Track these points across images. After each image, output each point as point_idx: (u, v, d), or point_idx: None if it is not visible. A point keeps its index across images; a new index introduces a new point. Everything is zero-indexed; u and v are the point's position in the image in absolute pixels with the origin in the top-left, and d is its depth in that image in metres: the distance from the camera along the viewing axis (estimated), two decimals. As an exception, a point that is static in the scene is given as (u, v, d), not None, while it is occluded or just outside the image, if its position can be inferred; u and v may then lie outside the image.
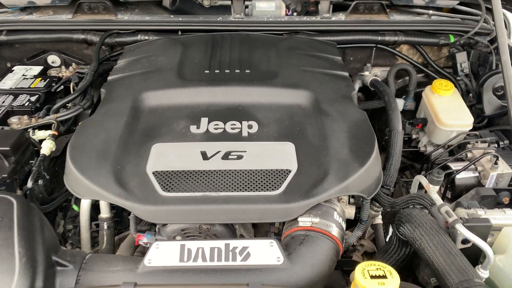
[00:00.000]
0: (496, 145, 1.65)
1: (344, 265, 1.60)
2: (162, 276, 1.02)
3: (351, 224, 1.40)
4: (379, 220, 1.56)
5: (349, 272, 1.46)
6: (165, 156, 1.27)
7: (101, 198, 1.21)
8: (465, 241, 1.16)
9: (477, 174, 1.58)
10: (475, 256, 1.19)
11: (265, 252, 1.08)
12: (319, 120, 1.41)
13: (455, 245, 1.11)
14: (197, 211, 1.14)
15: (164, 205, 1.13)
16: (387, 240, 1.49)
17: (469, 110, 1.75)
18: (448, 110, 1.73)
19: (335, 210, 1.20)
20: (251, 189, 1.17)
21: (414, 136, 1.90)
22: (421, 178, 1.30)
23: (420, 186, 1.39)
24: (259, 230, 1.43)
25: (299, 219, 1.14)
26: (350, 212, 1.28)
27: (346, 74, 1.69)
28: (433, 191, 1.22)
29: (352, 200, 1.35)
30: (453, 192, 1.61)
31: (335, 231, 1.16)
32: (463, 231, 1.09)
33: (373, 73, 2.00)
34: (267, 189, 1.17)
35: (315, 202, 1.15)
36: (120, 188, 1.17)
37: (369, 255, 1.68)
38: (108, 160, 1.25)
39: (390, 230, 1.50)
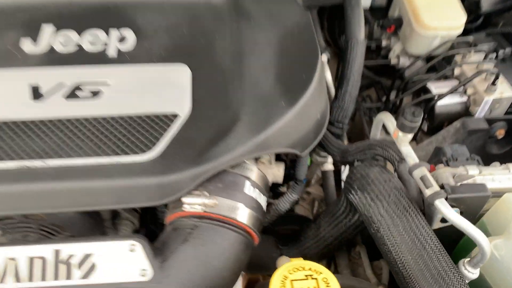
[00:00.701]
0: (495, 55, 1.18)
1: (281, 225, 1.21)
2: None
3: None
4: (329, 166, 1.14)
5: (287, 239, 1.08)
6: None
7: None
8: (445, 219, 0.75)
9: (465, 99, 1.14)
10: (455, 235, 0.80)
11: (121, 261, 0.65)
12: (235, 27, 0.89)
13: (431, 231, 0.71)
14: (7, 194, 0.67)
15: None
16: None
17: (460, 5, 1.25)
18: (431, 6, 1.22)
19: (248, 178, 0.75)
20: (106, 153, 0.70)
21: (384, 43, 1.40)
22: (386, 119, 0.84)
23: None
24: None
25: (185, 200, 0.70)
26: (277, 173, 0.84)
27: None
28: (404, 141, 0.78)
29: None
30: (431, 122, 1.18)
31: (243, 214, 0.72)
32: (448, 214, 0.67)
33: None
34: (134, 151, 0.70)
35: (211, 171, 0.70)
36: None
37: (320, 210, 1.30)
38: None
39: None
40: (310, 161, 1.06)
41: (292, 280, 0.66)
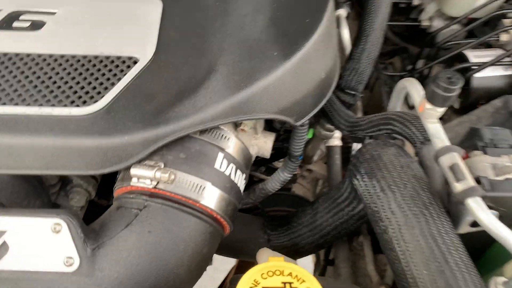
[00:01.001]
0: (552, 21, 0.96)
1: (273, 206, 1.05)
2: None
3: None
4: (335, 140, 0.95)
5: (278, 222, 0.92)
6: None
7: None
8: (476, 223, 0.57)
9: (511, 72, 0.93)
10: (482, 242, 0.63)
11: (41, 245, 0.49)
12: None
13: (458, 239, 0.53)
14: None
15: None
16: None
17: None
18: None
19: (221, 150, 0.58)
20: (37, 101, 0.53)
21: (416, 1, 1.17)
22: (410, 86, 0.64)
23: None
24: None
25: (133, 171, 0.53)
26: (263, 146, 0.66)
27: None
28: (432, 116, 0.58)
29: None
30: (465, 98, 0.97)
31: (211, 196, 0.55)
32: (483, 218, 0.49)
33: None
34: (74, 103, 0.53)
35: (172, 136, 0.52)
36: None
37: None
38: None
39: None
40: (312, 134, 0.88)
41: (265, 288, 0.50)
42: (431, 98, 0.55)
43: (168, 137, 0.52)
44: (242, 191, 0.62)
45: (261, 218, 0.89)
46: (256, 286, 0.50)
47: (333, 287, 0.57)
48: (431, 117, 0.58)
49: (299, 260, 1.36)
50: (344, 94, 0.80)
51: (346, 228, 0.79)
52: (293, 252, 0.87)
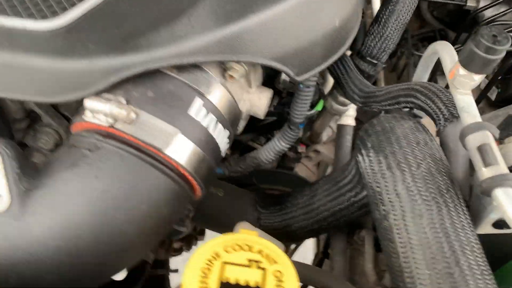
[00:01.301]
0: None
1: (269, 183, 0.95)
2: None
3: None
4: (348, 119, 0.84)
5: (271, 201, 0.82)
6: None
7: None
8: (501, 223, 0.46)
9: None
10: (505, 249, 0.52)
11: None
12: None
13: (475, 237, 0.42)
14: None
15: None
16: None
17: None
18: None
19: (200, 94, 0.47)
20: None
21: (462, -21, 1.04)
22: (442, 50, 0.52)
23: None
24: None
25: (87, 104, 0.44)
26: (256, 102, 0.55)
27: None
28: (464, 86, 0.47)
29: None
30: (505, 90, 0.84)
31: (179, 147, 0.45)
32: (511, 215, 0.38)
33: None
34: (31, 15, 0.44)
35: (139, 67, 0.43)
36: None
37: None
38: None
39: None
40: (322, 106, 0.77)
41: (226, 263, 0.40)
42: (468, 60, 0.44)
43: (135, 68, 0.43)
44: (223, 151, 0.52)
45: (254, 194, 0.80)
46: (214, 259, 0.41)
47: (312, 275, 0.48)
48: (463, 87, 0.46)
49: (300, 249, 1.27)
50: (364, 62, 0.69)
51: (345, 216, 0.69)
52: (284, 235, 0.78)
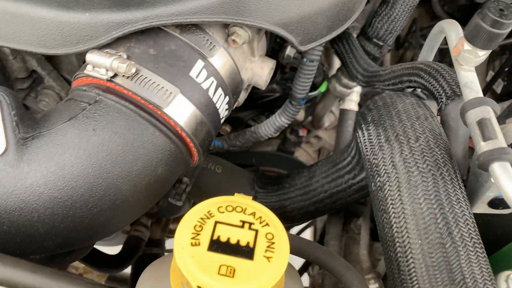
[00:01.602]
0: None
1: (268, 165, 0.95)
2: None
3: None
4: (351, 103, 0.84)
5: (269, 181, 0.82)
6: None
7: None
8: (498, 201, 0.45)
9: None
10: (502, 233, 0.51)
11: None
12: None
13: (469, 210, 0.42)
14: None
15: None
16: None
17: None
18: None
19: (203, 57, 0.47)
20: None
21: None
22: (448, 27, 0.51)
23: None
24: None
25: (89, 57, 0.44)
26: (259, 71, 0.55)
27: None
28: (468, 62, 0.46)
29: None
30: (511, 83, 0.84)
31: (179, 108, 0.45)
32: (509, 190, 0.38)
33: None
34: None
35: (141, 23, 0.43)
36: None
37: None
38: None
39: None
40: (325, 87, 0.77)
41: (218, 222, 0.40)
42: (473, 33, 0.43)
43: (137, 23, 0.43)
44: (222, 118, 0.52)
45: (252, 173, 0.80)
46: (207, 218, 0.40)
47: (305, 247, 0.47)
48: (468, 63, 0.46)
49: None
50: (370, 43, 0.69)
51: (342, 199, 0.69)
52: (279, 216, 0.78)
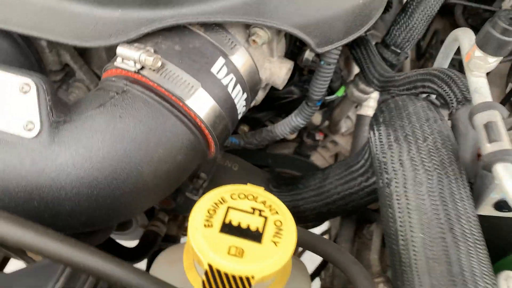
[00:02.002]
0: None
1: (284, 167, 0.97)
2: None
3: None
4: (368, 109, 0.86)
5: (284, 182, 0.84)
6: None
7: None
8: (502, 204, 0.47)
9: None
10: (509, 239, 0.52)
11: (6, 103, 0.45)
12: None
13: (472, 209, 0.43)
14: None
15: None
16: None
17: None
18: None
19: (224, 55, 0.50)
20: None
21: (499, -14, 1.04)
22: (462, 35, 0.53)
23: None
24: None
25: (119, 51, 0.47)
26: (277, 72, 0.57)
27: None
28: (479, 68, 0.48)
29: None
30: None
31: (199, 101, 0.48)
32: (509, 189, 0.39)
33: None
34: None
35: (169, 21, 0.46)
36: None
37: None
38: None
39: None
40: (343, 91, 0.79)
41: (231, 208, 0.43)
42: (484, 41, 0.45)
43: (165, 21, 0.46)
44: (240, 114, 0.55)
45: (267, 173, 0.82)
46: (221, 203, 0.43)
47: (313, 241, 0.49)
48: (478, 69, 0.48)
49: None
50: (387, 50, 0.71)
51: (354, 201, 0.71)
52: (292, 216, 0.80)
